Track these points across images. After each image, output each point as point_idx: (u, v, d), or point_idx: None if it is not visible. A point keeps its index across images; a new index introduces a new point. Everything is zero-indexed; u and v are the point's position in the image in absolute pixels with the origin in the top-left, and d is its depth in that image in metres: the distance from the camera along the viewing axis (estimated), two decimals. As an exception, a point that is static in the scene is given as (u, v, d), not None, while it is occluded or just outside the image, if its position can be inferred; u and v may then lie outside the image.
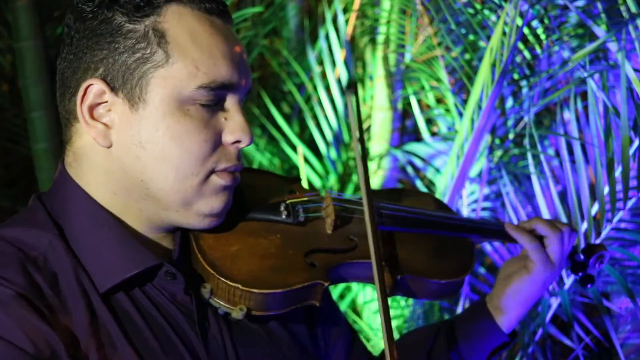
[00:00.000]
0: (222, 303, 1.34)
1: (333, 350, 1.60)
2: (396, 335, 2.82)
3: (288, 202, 1.48)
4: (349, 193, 3.19)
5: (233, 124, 1.33)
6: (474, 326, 1.64)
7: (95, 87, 1.30)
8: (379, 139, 3.33)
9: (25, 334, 1.19)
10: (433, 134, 3.23)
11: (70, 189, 1.36)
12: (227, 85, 1.31)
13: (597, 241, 2.32)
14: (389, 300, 2.93)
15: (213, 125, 1.32)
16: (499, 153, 2.73)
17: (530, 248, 1.60)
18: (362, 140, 1.49)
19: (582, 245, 2.23)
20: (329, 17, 3.46)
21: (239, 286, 1.32)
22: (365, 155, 1.49)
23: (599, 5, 2.41)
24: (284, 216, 1.46)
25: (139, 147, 1.29)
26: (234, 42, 1.34)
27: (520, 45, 2.60)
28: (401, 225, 1.56)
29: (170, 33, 1.29)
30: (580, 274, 1.70)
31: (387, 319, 1.31)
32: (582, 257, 1.70)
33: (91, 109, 1.30)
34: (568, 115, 2.61)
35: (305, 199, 1.51)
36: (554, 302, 2.46)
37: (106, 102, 1.30)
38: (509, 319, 1.62)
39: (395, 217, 1.56)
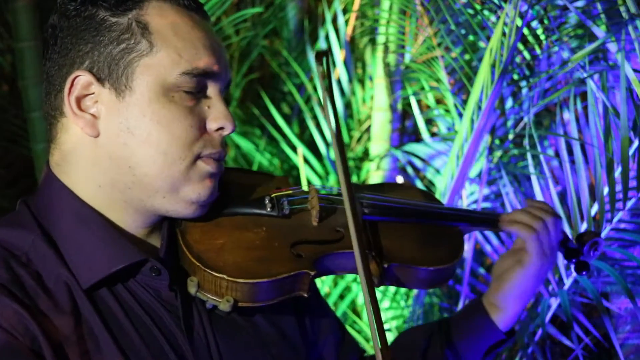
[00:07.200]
0: (209, 296, 1.35)
1: (323, 346, 1.60)
2: (394, 336, 2.82)
3: (273, 195, 1.50)
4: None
5: (216, 112, 1.37)
6: (469, 323, 1.64)
7: (82, 78, 1.33)
8: (379, 140, 3.33)
9: (5, 319, 1.21)
10: (433, 135, 3.23)
11: (55, 189, 1.37)
12: (208, 72, 1.35)
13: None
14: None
15: (197, 113, 1.36)
16: (498, 153, 2.73)
17: (528, 239, 1.59)
18: (335, 113, 1.47)
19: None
20: (328, 17, 3.46)
21: (225, 277, 1.33)
22: (341, 138, 1.48)
23: (599, 6, 2.42)
24: (268, 209, 1.48)
25: (126, 134, 1.32)
26: (213, 35, 1.40)
27: (520, 46, 2.60)
28: (386, 215, 1.57)
29: (152, 25, 1.33)
30: (574, 260, 1.70)
31: (376, 312, 1.31)
32: (575, 244, 1.70)
33: (78, 100, 1.33)
34: (568, 115, 2.61)
35: (290, 192, 1.53)
36: (554, 303, 2.46)
37: (93, 93, 1.33)
38: (505, 315, 1.62)
39: (379, 207, 1.57)
